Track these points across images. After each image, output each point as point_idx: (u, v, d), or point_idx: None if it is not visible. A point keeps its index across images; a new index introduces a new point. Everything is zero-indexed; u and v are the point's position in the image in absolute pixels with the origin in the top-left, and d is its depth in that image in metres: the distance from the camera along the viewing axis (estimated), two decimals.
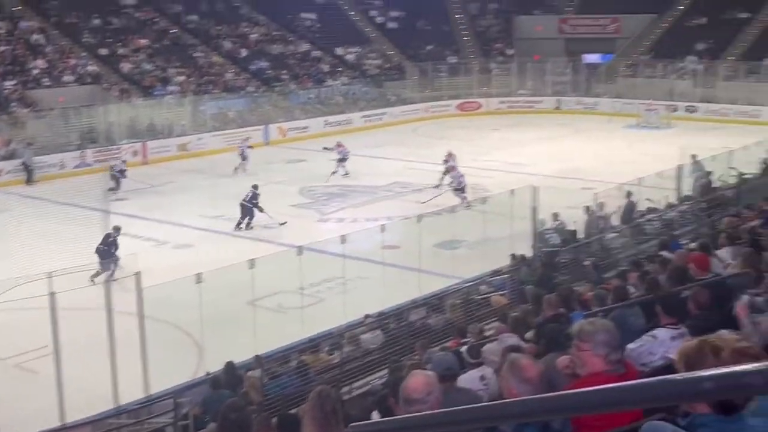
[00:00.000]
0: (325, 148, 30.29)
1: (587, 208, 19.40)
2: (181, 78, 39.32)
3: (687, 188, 21.73)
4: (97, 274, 17.84)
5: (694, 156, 23.43)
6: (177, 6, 44.65)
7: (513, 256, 16.58)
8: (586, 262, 15.05)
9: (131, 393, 12.45)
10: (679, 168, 21.34)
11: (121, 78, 38.20)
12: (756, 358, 1.68)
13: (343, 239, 16.17)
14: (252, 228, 22.71)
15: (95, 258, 18.44)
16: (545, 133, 36.83)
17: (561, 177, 26.42)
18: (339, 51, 47.20)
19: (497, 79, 47.27)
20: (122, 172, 27.79)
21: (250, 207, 22.97)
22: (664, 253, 11.84)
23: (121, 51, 39.79)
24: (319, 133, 38.71)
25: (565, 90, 46.96)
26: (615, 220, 19.46)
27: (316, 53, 46.10)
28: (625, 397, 1.56)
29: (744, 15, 47.12)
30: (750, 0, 47.09)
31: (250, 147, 31.54)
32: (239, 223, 22.89)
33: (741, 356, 2.97)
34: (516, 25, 52.04)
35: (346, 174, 29.14)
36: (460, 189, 24.66)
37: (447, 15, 52.56)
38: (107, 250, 18.98)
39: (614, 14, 49.52)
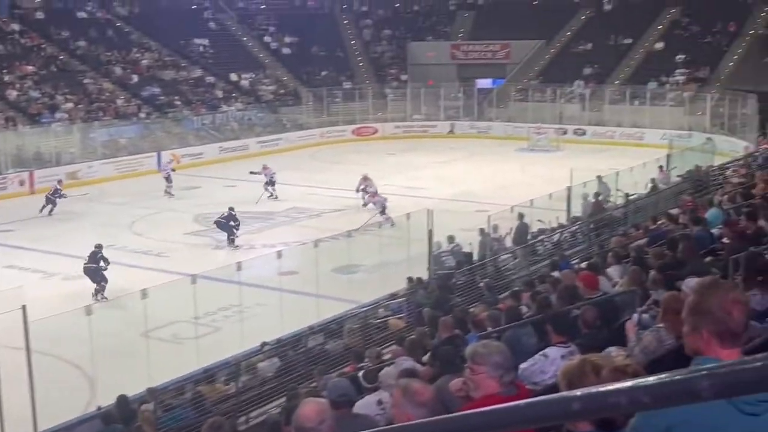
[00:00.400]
0: (251, 172, 29.88)
1: (481, 231, 19.41)
2: (70, 105, 38.40)
3: (576, 209, 21.88)
4: (97, 292, 18.18)
5: (599, 177, 23.88)
6: (65, 32, 43.75)
7: (410, 279, 16.55)
8: (481, 284, 15.06)
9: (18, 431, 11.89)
10: (569, 189, 21.41)
11: (6, 105, 37.12)
12: (635, 376, 1.68)
13: (239, 266, 15.93)
14: (236, 247, 22.66)
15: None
16: (440, 157, 36.90)
17: (456, 200, 26.56)
18: (233, 77, 46.67)
19: (392, 104, 47.20)
20: (57, 193, 27.58)
21: (225, 223, 23.07)
22: (555, 273, 11.98)
23: (6, 78, 38.73)
24: (213, 160, 38.39)
25: (458, 115, 47.25)
26: (508, 242, 19.58)
27: (210, 79, 45.48)
28: (497, 420, 1.53)
29: (628, 41, 47.97)
30: (633, 27, 48.05)
31: (173, 170, 31.54)
32: (231, 239, 23.03)
33: (620, 374, 3.04)
34: (409, 51, 52.11)
35: (274, 197, 29.17)
36: (382, 211, 24.95)
37: (341, 41, 52.62)
38: (95, 268, 18.98)
39: (504, 40, 49.67)
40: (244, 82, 46.22)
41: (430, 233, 17.62)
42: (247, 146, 40.35)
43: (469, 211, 24.31)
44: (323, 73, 49.12)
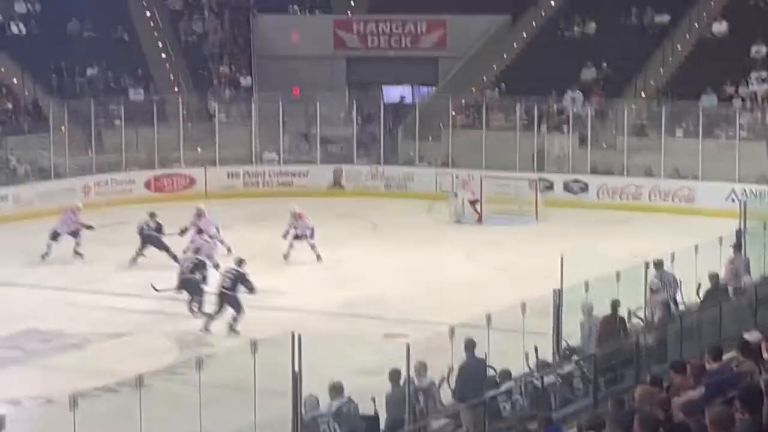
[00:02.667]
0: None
1: (394, 374, 14.32)
2: None
3: (571, 332, 16.98)
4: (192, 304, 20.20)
5: (657, 262, 18.73)
6: None
7: None
8: None
9: None
10: (558, 294, 16.59)
11: None
12: None
13: None
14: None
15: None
16: (317, 231, 27.61)
17: (346, 315, 21.41)
18: None
19: (225, 133, 34.90)
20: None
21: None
22: None
23: None
24: None
25: (350, 153, 35.22)
26: (446, 394, 15.27)
27: None
28: None
29: (662, 19, 36.67)
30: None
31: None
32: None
33: None
34: (256, 31, 40.16)
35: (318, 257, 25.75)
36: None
37: (125, 10, 39.81)
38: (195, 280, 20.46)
39: (433, 14, 38.75)
40: None
41: (297, 378, 13.16)
42: None
43: (372, 335, 19.82)
44: (90, 72, 36.37)
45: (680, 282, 19.28)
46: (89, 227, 26.47)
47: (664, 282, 18.99)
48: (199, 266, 20.67)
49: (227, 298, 19.56)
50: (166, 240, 25.36)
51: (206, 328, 20.01)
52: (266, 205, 31.35)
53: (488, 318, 15.63)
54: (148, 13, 40.04)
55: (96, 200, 31.51)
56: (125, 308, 22.69)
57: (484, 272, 24.76)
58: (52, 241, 25.57)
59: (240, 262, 20.41)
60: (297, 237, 25.28)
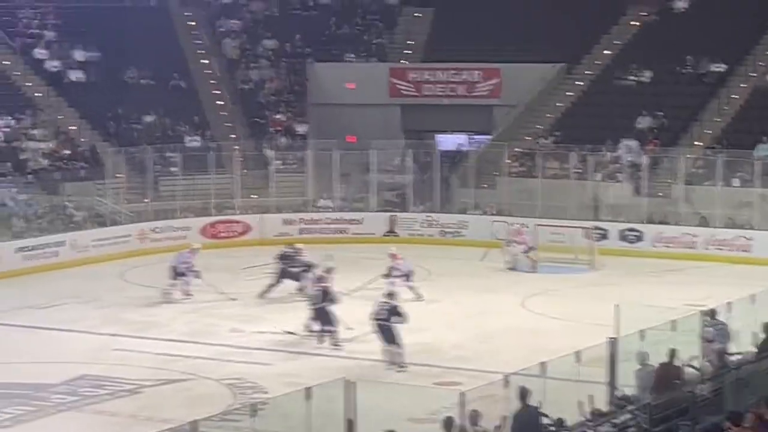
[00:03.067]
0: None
1: (448, 422, 13.68)
2: None
3: (626, 381, 16.37)
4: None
5: (711, 312, 18.52)
6: None
7: None
8: None
9: None
10: (614, 343, 16.24)
11: None
12: None
13: None
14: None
15: None
16: (368, 278, 27.49)
17: (408, 362, 20.62)
18: None
19: (280, 180, 35.24)
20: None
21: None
22: None
23: None
24: None
25: (404, 201, 35.18)
26: None
27: None
28: None
29: (719, 68, 36.69)
30: (728, 42, 37.39)
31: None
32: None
33: None
34: (311, 79, 40.59)
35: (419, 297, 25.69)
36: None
37: (182, 58, 40.48)
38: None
39: (488, 62, 39.00)
40: None
41: (351, 426, 13.31)
42: None
43: (424, 383, 19.57)
44: (147, 119, 36.73)
45: (732, 332, 18.67)
46: (197, 275, 26.56)
47: (717, 331, 18.49)
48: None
49: (382, 327, 20.35)
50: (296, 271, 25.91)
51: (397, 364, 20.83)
52: (324, 251, 29.87)
53: (543, 366, 15.18)
54: (206, 61, 40.55)
55: (150, 247, 31.86)
56: (180, 354, 22.42)
57: (538, 320, 24.61)
58: (174, 280, 26.06)
59: (390, 295, 21.00)
60: (395, 277, 25.68)
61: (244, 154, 35.47)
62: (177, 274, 26.19)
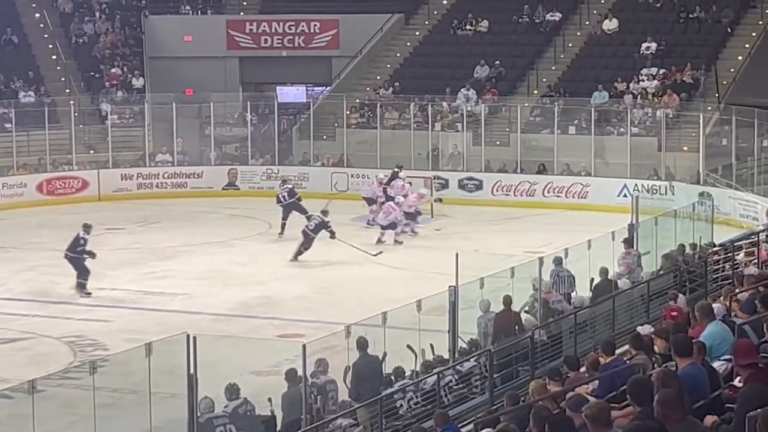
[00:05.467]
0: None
1: (291, 374, 14.31)
2: None
3: (469, 328, 17.09)
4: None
5: (556, 258, 19.55)
6: None
7: None
8: None
9: None
10: (454, 292, 16.71)
11: None
12: None
13: None
14: None
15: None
16: (210, 234, 28.19)
17: (241, 316, 21.14)
18: None
19: (117, 136, 34.63)
20: None
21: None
22: None
23: None
24: None
25: (244, 154, 34.96)
26: (343, 393, 15.03)
27: None
28: None
29: (554, 17, 36.82)
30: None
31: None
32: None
33: None
34: (148, 32, 39.58)
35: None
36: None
37: (14, 12, 39.11)
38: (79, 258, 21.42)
39: (326, 13, 38.86)
40: None
41: (192, 380, 13.24)
42: None
43: (269, 336, 19.77)
44: None
45: (574, 278, 19.41)
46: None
47: (560, 278, 19.43)
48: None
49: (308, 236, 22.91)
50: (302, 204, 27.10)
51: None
52: (163, 208, 31.01)
53: (384, 316, 15.54)
54: (38, 15, 39.25)
55: None
56: (18, 313, 21.99)
57: (380, 270, 24.57)
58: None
59: (325, 213, 23.77)
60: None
61: (79, 109, 34.72)
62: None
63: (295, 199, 26.56)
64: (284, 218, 26.23)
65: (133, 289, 23.08)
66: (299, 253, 24.29)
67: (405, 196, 28.05)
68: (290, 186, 27.16)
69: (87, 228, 21.92)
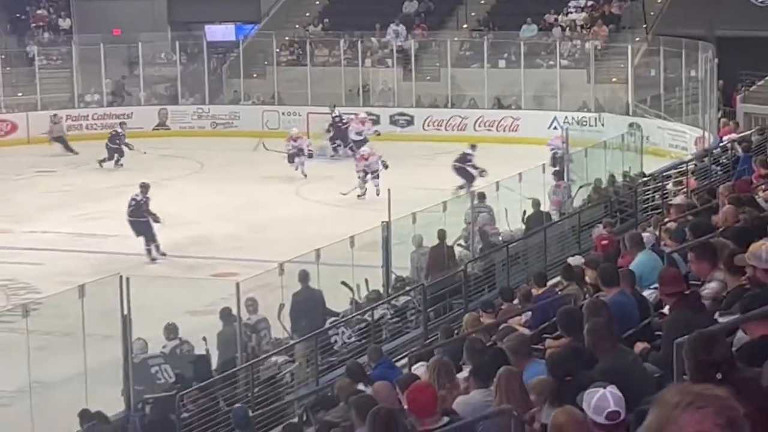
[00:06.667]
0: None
1: (225, 313, 14.73)
2: None
3: (401, 264, 17.27)
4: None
5: (480, 194, 20.04)
6: None
7: (84, 415, 12.78)
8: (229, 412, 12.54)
9: None
10: (387, 227, 16.74)
11: None
12: None
13: None
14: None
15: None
16: (145, 173, 26.61)
17: (176, 256, 21.18)
18: None
19: (46, 76, 34.56)
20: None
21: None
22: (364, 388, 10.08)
23: None
24: None
25: (174, 94, 35.07)
26: (277, 330, 15.37)
27: None
28: None
29: None
30: None
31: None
32: None
33: None
34: None
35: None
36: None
37: None
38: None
39: None
40: None
41: (126, 321, 13.46)
42: None
43: (203, 275, 20.10)
44: None
45: (506, 210, 19.72)
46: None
47: (492, 211, 19.55)
48: None
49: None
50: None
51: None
52: (92, 148, 30.37)
53: (317, 253, 15.84)
54: None
55: None
56: None
57: (313, 208, 24.85)
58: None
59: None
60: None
61: (6, 52, 34.78)
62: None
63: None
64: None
65: (65, 232, 23.04)
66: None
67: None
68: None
69: (144, 188, 21.16)
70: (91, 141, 32.08)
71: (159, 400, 13.70)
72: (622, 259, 11.10)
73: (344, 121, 28.99)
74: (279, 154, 28.41)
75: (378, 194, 24.08)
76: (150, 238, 20.64)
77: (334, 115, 29.27)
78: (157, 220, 21.23)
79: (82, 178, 28.47)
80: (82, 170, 29.48)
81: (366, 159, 25.88)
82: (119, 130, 29.01)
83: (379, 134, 28.27)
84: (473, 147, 24.46)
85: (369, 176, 25.32)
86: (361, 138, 27.10)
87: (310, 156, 27.80)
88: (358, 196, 25.08)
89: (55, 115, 31.81)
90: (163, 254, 21.05)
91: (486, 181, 22.34)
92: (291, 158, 27.21)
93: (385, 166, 25.43)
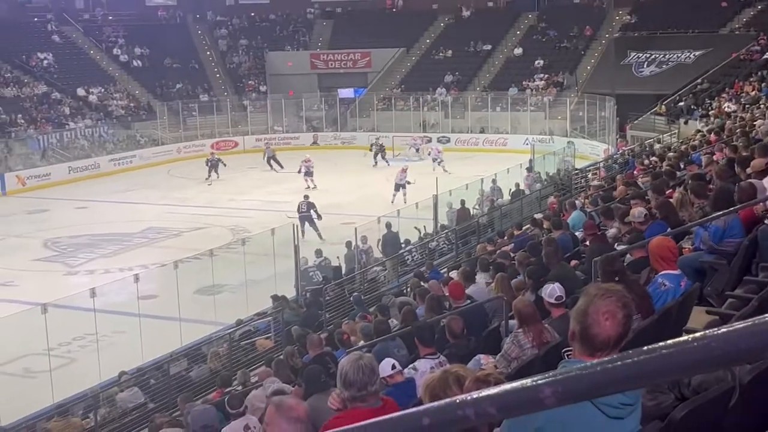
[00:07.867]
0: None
1: (348, 243, 18.91)
2: None
3: (442, 218, 21.82)
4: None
5: (494, 179, 24.34)
6: None
7: (274, 298, 15.95)
8: (351, 298, 14.75)
9: None
10: (435, 198, 21.36)
11: None
12: (498, 385, 1.52)
13: (93, 292, 14.87)
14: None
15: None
16: (304, 169, 33.54)
17: (322, 213, 24.95)
18: (81, 92, 43.60)
19: (252, 117, 45.05)
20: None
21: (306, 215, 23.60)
22: (424, 284, 11.81)
23: None
24: (63, 181, 35.95)
25: (321, 125, 45.40)
26: (377, 253, 19.11)
27: (56, 95, 42.31)
28: None
29: (487, 47, 47.23)
30: (491, 33, 47.87)
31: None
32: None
33: (483, 384, 3.05)
34: (268, 61, 49.89)
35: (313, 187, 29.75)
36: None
37: (195, 52, 49.97)
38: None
39: (364, 48, 48.22)
40: (93, 97, 43.55)
41: (296, 248, 17.36)
42: (99, 165, 38.12)
43: (336, 224, 23.56)
44: (178, 86, 46.63)
45: (501, 189, 24.02)
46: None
47: (494, 189, 24.17)
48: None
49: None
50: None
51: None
52: (278, 156, 36.63)
53: (398, 213, 20.65)
54: (208, 52, 49.47)
55: (184, 155, 40.03)
56: (204, 213, 26.81)
57: (392, 188, 28.57)
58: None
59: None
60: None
61: (232, 104, 44.32)
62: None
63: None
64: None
65: (262, 200, 28.48)
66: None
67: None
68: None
69: (306, 197, 23.72)
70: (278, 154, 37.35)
71: (314, 290, 16.17)
72: (564, 216, 12.74)
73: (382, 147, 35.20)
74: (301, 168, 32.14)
75: (405, 202, 25.98)
76: (312, 224, 23.28)
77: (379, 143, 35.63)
78: (319, 217, 23.74)
79: (270, 174, 34.73)
80: (269, 170, 35.85)
81: (404, 171, 28.75)
82: (214, 153, 34.80)
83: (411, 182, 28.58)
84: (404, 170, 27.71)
85: (401, 189, 27.74)
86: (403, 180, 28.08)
87: (309, 174, 31.08)
88: (398, 194, 27.85)
89: (267, 143, 37.81)
90: (320, 217, 24.01)
91: (489, 173, 25.43)
92: (306, 173, 31.37)
93: (409, 183, 27.76)
